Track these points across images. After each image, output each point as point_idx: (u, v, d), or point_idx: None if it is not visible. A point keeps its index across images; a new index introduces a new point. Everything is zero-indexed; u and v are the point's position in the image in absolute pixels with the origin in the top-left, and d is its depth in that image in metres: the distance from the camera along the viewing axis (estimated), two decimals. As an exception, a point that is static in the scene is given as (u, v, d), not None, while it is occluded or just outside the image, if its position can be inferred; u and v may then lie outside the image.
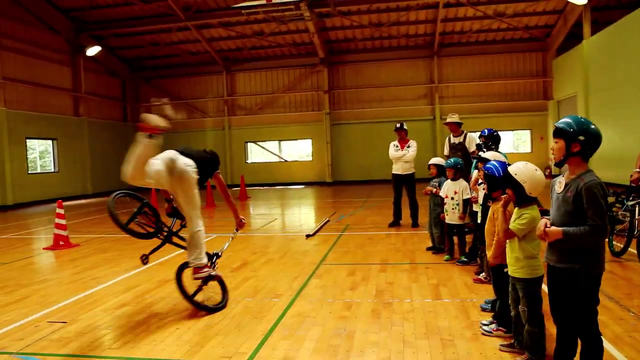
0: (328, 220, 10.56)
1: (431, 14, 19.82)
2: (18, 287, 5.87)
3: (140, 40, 21.65)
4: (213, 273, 4.77)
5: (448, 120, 8.25)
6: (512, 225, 3.15)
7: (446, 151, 8.39)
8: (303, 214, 13.08)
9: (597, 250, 2.73)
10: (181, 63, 23.42)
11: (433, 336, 3.80)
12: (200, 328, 4.20)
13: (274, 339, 3.89)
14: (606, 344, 3.40)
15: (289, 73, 23.08)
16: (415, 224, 9.17)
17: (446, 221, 6.32)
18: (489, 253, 3.76)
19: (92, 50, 20.48)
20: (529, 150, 21.90)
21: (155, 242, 4.85)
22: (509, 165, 3.36)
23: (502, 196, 3.29)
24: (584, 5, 16.72)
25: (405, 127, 9.13)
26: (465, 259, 6.11)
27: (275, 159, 24.01)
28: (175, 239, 4.97)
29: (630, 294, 4.70)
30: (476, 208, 5.70)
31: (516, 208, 3.22)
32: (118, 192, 4.91)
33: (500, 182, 3.69)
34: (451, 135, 8.29)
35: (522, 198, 3.14)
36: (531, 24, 20.27)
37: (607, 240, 6.20)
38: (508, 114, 21.50)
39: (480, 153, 4.51)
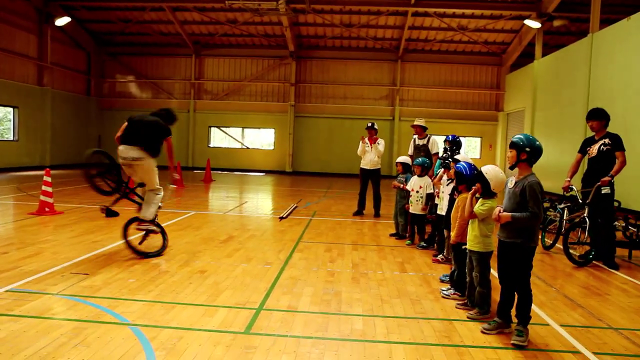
0: (296, 206, 11.43)
1: (399, 21, 20.99)
2: (24, 244, 6.40)
3: (111, 15, 21.55)
4: (152, 228, 6.01)
5: (415, 123, 9.32)
6: (476, 209, 4.17)
7: (410, 151, 9.46)
8: (271, 198, 13.87)
9: (534, 230, 3.81)
10: (151, 42, 23.46)
11: (404, 297, 4.79)
12: (210, 284, 4.99)
13: (276, 294, 4.75)
14: (534, 307, 4.50)
15: (257, 63, 23.64)
16: (377, 214, 10.21)
17: (410, 211, 7.35)
18: (453, 233, 4.78)
19: (61, 21, 20.24)
20: (478, 156, 23.59)
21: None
22: (473, 166, 4.40)
23: (473, 187, 4.29)
24: (538, 28, 18.37)
25: (375, 126, 10.11)
26: (425, 244, 7.17)
27: (238, 145, 24.54)
28: (132, 196, 6.24)
29: (554, 276, 5.88)
30: (437, 201, 6.77)
31: (480, 198, 4.24)
32: (97, 149, 6.04)
33: (468, 179, 4.72)
34: (416, 137, 9.36)
35: (487, 192, 4.16)
36: (490, 40, 21.88)
37: (540, 235, 7.44)
38: (462, 121, 23.06)
39: (457, 156, 5.48)
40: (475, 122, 23.22)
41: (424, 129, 9.27)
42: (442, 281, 5.37)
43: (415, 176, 7.36)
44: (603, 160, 6.54)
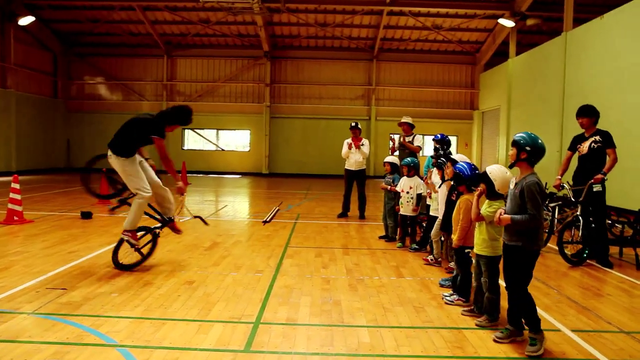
0: (278, 209, 11.13)
1: (374, 20, 20.91)
2: (-7, 258, 5.92)
3: (79, 14, 20.77)
4: (127, 238, 5.44)
5: (403, 120, 9.17)
6: (483, 211, 3.99)
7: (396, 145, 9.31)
8: (250, 201, 13.52)
9: (535, 232, 3.60)
10: (120, 43, 22.73)
11: (406, 305, 4.57)
12: (200, 296, 4.67)
13: (272, 305, 4.46)
14: (540, 311, 4.35)
15: (231, 63, 23.20)
16: (362, 216, 10.01)
17: (400, 213, 7.17)
18: (455, 237, 4.59)
19: (25, 20, 19.37)
20: (454, 155, 23.66)
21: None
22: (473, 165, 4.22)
23: (477, 188, 4.11)
24: (512, 27, 18.54)
25: (359, 126, 9.91)
26: (417, 246, 6.99)
27: (212, 147, 24.03)
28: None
29: (551, 277, 5.77)
30: (428, 202, 6.61)
31: (487, 200, 4.05)
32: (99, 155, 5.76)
33: (468, 179, 4.54)
34: (402, 135, 9.22)
35: (492, 192, 3.97)
36: (464, 39, 22.02)
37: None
38: (438, 120, 23.13)
39: (454, 156, 5.31)
40: (450, 121, 23.31)
41: (411, 126, 9.14)
42: (442, 286, 5.19)
43: (405, 177, 7.18)
44: (594, 157, 6.48)
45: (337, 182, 20.08)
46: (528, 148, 3.59)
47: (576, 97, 14.02)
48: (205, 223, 6.49)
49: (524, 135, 3.67)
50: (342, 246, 7.27)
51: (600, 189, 6.36)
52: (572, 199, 6.64)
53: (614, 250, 7.00)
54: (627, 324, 4.23)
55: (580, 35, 14.04)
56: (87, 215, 9.08)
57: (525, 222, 3.52)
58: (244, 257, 6.35)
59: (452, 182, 5.38)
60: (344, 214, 10.19)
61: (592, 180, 6.28)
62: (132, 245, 5.51)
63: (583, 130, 6.75)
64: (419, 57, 23.12)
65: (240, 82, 23.20)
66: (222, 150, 24.03)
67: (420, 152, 9.22)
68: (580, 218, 6.39)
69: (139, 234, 5.58)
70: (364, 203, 10.02)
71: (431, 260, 6.23)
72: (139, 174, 5.45)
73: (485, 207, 4.00)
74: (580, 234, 6.39)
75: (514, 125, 18.81)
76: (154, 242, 5.72)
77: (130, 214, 5.46)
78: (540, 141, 3.63)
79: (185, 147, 23.67)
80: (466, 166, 4.60)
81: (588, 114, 6.56)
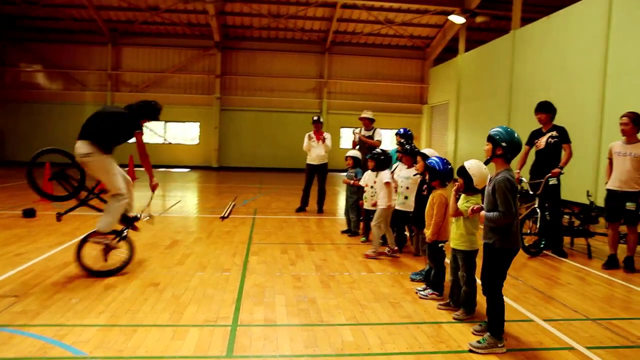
0: (234, 204, 10.88)
1: (328, 12, 20.83)
2: None
3: (13, -4, 19.37)
4: (108, 242, 5.12)
5: (363, 115, 9.17)
6: (461, 206, 4.01)
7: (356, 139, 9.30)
8: (203, 196, 13.14)
9: (508, 230, 3.51)
10: (62, 28, 21.32)
11: (382, 300, 4.55)
12: (169, 298, 4.44)
13: (247, 305, 4.31)
14: (510, 302, 4.47)
15: (180, 53, 22.42)
16: (320, 210, 9.95)
17: (364, 207, 7.14)
18: (428, 232, 4.61)
19: (-49, 1, 17.85)
20: (424, 149, 24.10)
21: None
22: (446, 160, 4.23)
23: (455, 183, 4.12)
24: (462, 24, 19.02)
25: (322, 120, 9.81)
26: (381, 241, 6.99)
27: (160, 140, 23.20)
28: (94, 202, 5.33)
29: (512, 267, 5.93)
30: (395, 196, 6.62)
31: (463, 194, 4.08)
32: (50, 148, 5.25)
33: (441, 174, 4.56)
34: (362, 129, 9.23)
35: (470, 187, 4.00)
36: (415, 34, 22.37)
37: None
38: (388, 113, 23.38)
39: (424, 150, 5.33)
40: (400, 115, 23.66)
41: (371, 121, 9.17)
42: (413, 280, 5.21)
43: (369, 171, 7.15)
44: (551, 152, 6.73)
45: (289, 175, 19.99)
46: (504, 144, 3.53)
47: (523, 93, 14.60)
48: (151, 223, 6.19)
49: (500, 130, 3.63)
50: (305, 242, 7.18)
51: (556, 183, 6.62)
52: (530, 192, 6.86)
53: (565, 240, 7.31)
54: (591, 312, 4.41)
55: (527, 33, 14.58)
56: (30, 214, 8.48)
57: (495, 220, 3.47)
58: (207, 255, 6.13)
59: (422, 177, 5.43)
60: (302, 209, 10.09)
61: (550, 174, 6.52)
62: (111, 248, 5.17)
63: (540, 126, 6.97)
64: (371, 51, 23.28)
65: (190, 73, 22.49)
66: (170, 143, 23.25)
67: (381, 146, 9.26)
68: (537, 210, 6.62)
69: (110, 237, 5.21)
70: (323, 197, 9.97)
71: (372, 253, 6.31)
72: (119, 172, 5.14)
73: (463, 202, 4.02)
74: (537, 225, 6.62)
75: (462, 120, 19.36)
76: (131, 246, 5.34)
77: (108, 216, 5.07)
78: (516, 136, 3.61)
79: (130, 140, 22.64)
80: (439, 161, 4.62)
81: (546, 110, 6.79)
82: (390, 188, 6.27)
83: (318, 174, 9.77)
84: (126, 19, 21.07)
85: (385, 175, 6.35)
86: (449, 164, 4.62)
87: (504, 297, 3.68)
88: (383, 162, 6.46)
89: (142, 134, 5.20)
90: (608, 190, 6.10)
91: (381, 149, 6.81)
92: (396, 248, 6.30)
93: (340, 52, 23.10)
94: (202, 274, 5.29)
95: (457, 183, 4.08)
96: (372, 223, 6.32)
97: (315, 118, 9.79)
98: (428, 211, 4.66)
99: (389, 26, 21.44)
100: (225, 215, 9.26)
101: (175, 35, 22.17)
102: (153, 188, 5.44)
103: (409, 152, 6.26)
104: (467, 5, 18.46)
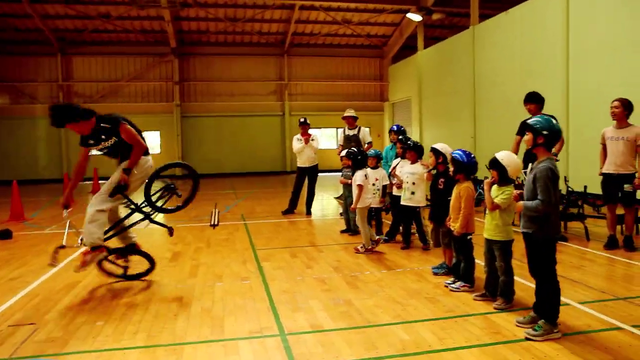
0: (219, 211, 10.57)
1: (286, 14, 20.70)
2: None
3: (-51, 7, 18.05)
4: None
5: (346, 114, 9.20)
6: (497, 199, 4.03)
7: (341, 141, 9.30)
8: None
9: (547, 219, 3.57)
10: (6, 39, 19.96)
11: (416, 296, 4.52)
12: (199, 312, 4.23)
13: (284, 312, 4.16)
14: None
15: (135, 61, 21.64)
16: (309, 212, 9.85)
17: (368, 205, 7.11)
18: (456, 225, 4.62)
19: None
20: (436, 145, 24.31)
21: None
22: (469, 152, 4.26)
23: (488, 179, 4.15)
24: (419, 21, 19.40)
25: (308, 121, 9.71)
26: (386, 237, 6.99)
27: (119, 151, 22.28)
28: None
29: (523, 254, 6.07)
30: (399, 192, 6.63)
31: (495, 186, 4.11)
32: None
33: (466, 166, 4.58)
34: (346, 128, 9.24)
35: (504, 179, 4.03)
36: (372, 33, 22.62)
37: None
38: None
39: (436, 145, 5.34)
40: (362, 113, 23.41)
41: (355, 119, 9.18)
42: (436, 274, 5.22)
43: (369, 168, 7.13)
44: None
45: (258, 179, 19.74)
46: (545, 132, 3.57)
47: (487, 86, 15.05)
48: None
49: (539, 119, 3.68)
50: (310, 244, 7.07)
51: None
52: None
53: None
54: (617, 291, 4.56)
55: (487, 28, 15.04)
56: (6, 235, 7.91)
57: (534, 208, 3.51)
58: (217, 265, 5.91)
59: (435, 171, 5.45)
60: (290, 211, 9.95)
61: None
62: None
63: (530, 116, 7.16)
64: (329, 52, 23.33)
65: (147, 81, 21.75)
66: (130, 154, 22.37)
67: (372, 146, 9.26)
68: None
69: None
70: (312, 199, 9.86)
71: (360, 249, 6.38)
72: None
73: (498, 195, 4.05)
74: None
75: (426, 115, 19.75)
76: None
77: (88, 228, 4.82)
78: (556, 124, 3.68)
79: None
80: (463, 154, 4.64)
81: (535, 100, 6.98)
82: (361, 190, 6.27)
83: (309, 176, 9.65)
84: (74, 28, 20.07)
85: (358, 176, 6.33)
86: (473, 156, 4.65)
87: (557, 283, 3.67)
88: (359, 162, 6.49)
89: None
90: (604, 174, 6.35)
91: (358, 149, 6.80)
92: (372, 246, 6.36)
93: (299, 54, 23.03)
94: (222, 284, 5.08)
95: (491, 177, 4.10)
96: (358, 223, 6.43)
97: (302, 120, 9.69)
98: (454, 204, 4.66)
99: (347, 26, 21.56)
100: (215, 222, 8.94)
101: (128, 42, 21.36)
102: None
103: (413, 147, 6.28)
104: (422, 3, 18.83)
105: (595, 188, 7.46)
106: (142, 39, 21.22)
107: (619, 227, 6.54)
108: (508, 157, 4.06)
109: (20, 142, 20.48)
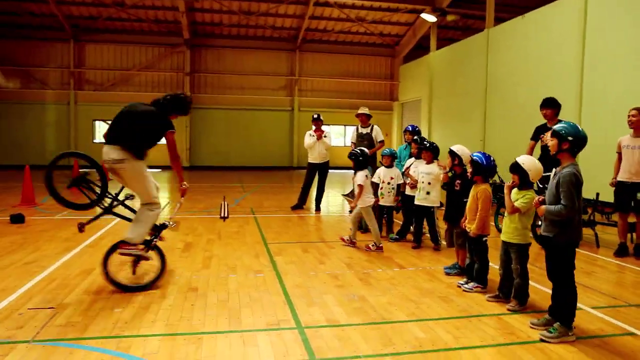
0: (227, 204, 10.65)
1: (300, 10, 20.71)
2: None
3: (-35, -11, 18.15)
4: (140, 253, 4.65)
5: (360, 112, 9.21)
6: (518, 203, 4.06)
7: (353, 139, 9.33)
8: (190, 196, 12.74)
9: (569, 224, 3.59)
10: (19, 23, 20.07)
11: (429, 295, 4.56)
12: (216, 303, 4.28)
13: (300, 306, 4.21)
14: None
15: (147, 50, 21.72)
16: (318, 208, 9.89)
17: (380, 203, 7.15)
18: (472, 226, 4.65)
19: None
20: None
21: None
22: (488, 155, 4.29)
23: (509, 183, 4.18)
24: (433, 22, 19.37)
25: (321, 117, 9.73)
26: (397, 237, 7.03)
27: (127, 140, 22.39)
28: (119, 209, 4.88)
29: (535, 259, 6.09)
30: (412, 192, 6.66)
31: (515, 189, 4.14)
32: (70, 151, 4.72)
33: (485, 169, 4.61)
34: (359, 126, 9.26)
35: (525, 183, 4.07)
36: (385, 32, 22.61)
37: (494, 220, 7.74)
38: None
39: (453, 147, 5.36)
40: (371, 112, 23.58)
41: (368, 117, 9.20)
42: (448, 274, 5.26)
43: (383, 167, 7.18)
44: (557, 145, 6.94)
45: (266, 174, 19.81)
46: (570, 138, 3.60)
47: (499, 90, 15.04)
48: (176, 230, 5.94)
49: (565, 125, 3.71)
50: (320, 240, 7.11)
51: (564, 175, 6.83)
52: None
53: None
54: (629, 298, 4.59)
55: (502, 32, 15.02)
56: (19, 219, 8.00)
57: (557, 213, 3.54)
58: (230, 257, 5.96)
59: (452, 172, 5.48)
60: (299, 206, 10.00)
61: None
62: (142, 259, 4.72)
63: (545, 121, 7.18)
64: (341, 49, 23.34)
65: (158, 71, 21.83)
66: (138, 143, 22.47)
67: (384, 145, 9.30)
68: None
69: (140, 247, 4.68)
70: (322, 196, 9.90)
71: (347, 240, 6.62)
72: (151, 179, 4.78)
73: (519, 199, 4.08)
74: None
75: (435, 116, 19.74)
76: (161, 255, 4.89)
77: (140, 225, 4.64)
78: (581, 130, 3.70)
79: (97, 141, 21.79)
80: (482, 156, 4.67)
81: (552, 105, 6.99)
82: (361, 190, 6.34)
83: (319, 172, 9.69)
84: (89, 15, 20.19)
85: (359, 176, 6.39)
86: (493, 160, 4.68)
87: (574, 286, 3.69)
88: (361, 162, 6.52)
89: (174, 132, 4.89)
90: (618, 182, 6.36)
91: (360, 149, 6.76)
92: (354, 240, 6.61)
93: (311, 50, 23.05)
94: (236, 276, 5.13)
95: (512, 181, 4.13)
96: (351, 216, 6.72)
97: (315, 116, 9.70)
98: (471, 206, 4.70)
99: (360, 24, 21.56)
100: (225, 215, 9.04)
101: (141, 32, 21.45)
102: (183, 192, 5.11)
103: (429, 147, 6.31)
104: (437, 4, 18.80)
105: (605, 196, 7.48)
106: (155, 28, 21.29)
107: (629, 235, 6.56)
108: (529, 161, 4.09)
109: (30, 127, 20.62)
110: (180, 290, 4.64)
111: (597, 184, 8.26)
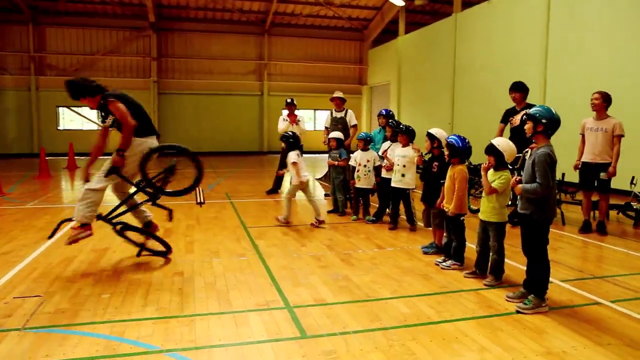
0: (202, 189, 10.62)
1: (268, -7, 20.49)
2: None
3: None
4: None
5: (334, 95, 9.32)
6: (495, 184, 4.26)
7: (327, 124, 9.44)
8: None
9: (545, 202, 3.82)
10: (-30, 6, 19.27)
11: (410, 274, 4.75)
12: (203, 286, 4.35)
13: (287, 287, 4.33)
14: (522, 267, 4.84)
15: (111, 34, 21.08)
16: (293, 193, 9.98)
17: (357, 186, 7.31)
18: (450, 206, 4.85)
19: None
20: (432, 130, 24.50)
21: None
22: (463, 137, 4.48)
23: (485, 164, 4.37)
24: (401, 6, 19.50)
25: (295, 102, 9.77)
26: (374, 218, 7.22)
27: (93, 126, 21.81)
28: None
29: (509, 238, 6.38)
30: (389, 175, 6.83)
31: (491, 170, 4.34)
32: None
33: (461, 151, 4.80)
34: (333, 110, 9.37)
35: (501, 163, 4.27)
36: (354, 16, 22.62)
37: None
38: (328, 94, 23.35)
39: (432, 130, 5.52)
40: (341, 96, 23.91)
41: (343, 101, 9.31)
42: (426, 253, 5.46)
43: (359, 150, 7.32)
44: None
45: (236, 159, 19.72)
46: (544, 121, 3.81)
47: (466, 74, 15.37)
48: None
49: (539, 109, 3.92)
50: (300, 223, 7.22)
51: (532, 156, 7.14)
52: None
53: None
54: (594, 271, 4.90)
55: (469, 17, 15.29)
56: None
57: (533, 191, 3.75)
58: (212, 242, 6.02)
59: (429, 155, 5.66)
60: (274, 191, 10.08)
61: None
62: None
63: (514, 104, 7.44)
64: (310, 33, 23.24)
65: (123, 55, 21.25)
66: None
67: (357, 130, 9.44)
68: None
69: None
70: (297, 179, 9.98)
71: (282, 220, 7.02)
72: None
73: (495, 179, 4.28)
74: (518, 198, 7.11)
75: (405, 100, 20.01)
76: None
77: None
78: (555, 113, 3.90)
79: (61, 127, 21.15)
80: (458, 139, 4.85)
81: (520, 89, 7.24)
82: (297, 167, 6.85)
83: (295, 157, 9.73)
84: (48, -4, 19.42)
85: (292, 155, 6.94)
86: (468, 142, 4.86)
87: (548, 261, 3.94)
88: (292, 144, 7.13)
89: None
90: (583, 162, 6.70)
91: (292, 132, 7.44)
92: (289, 220, 7.07)
93: (280, 34, 22.87)
94: (220, 260, 5.20)
95: (487, 162, 4.33)
96: (283, 196, 7.15)
97: (289, 100, 9.73)
98: (449, 186, 4.89)
99: (328, 7, 21.50)
100: (202, 200, 9.04)
101: (105, 15, 20.79)
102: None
103: (405, 131, 6.47)
104: (406, -12, 18.92)
105: (570, 176, 7.86)
106: (120, 11, 20.68)
107: (592, 213, 6.93)
108: (504, 143, 4.29)
109: (-12, 114, 19.83)
110: (166, 275, 4.68)
111: (562, 165, 8.63)
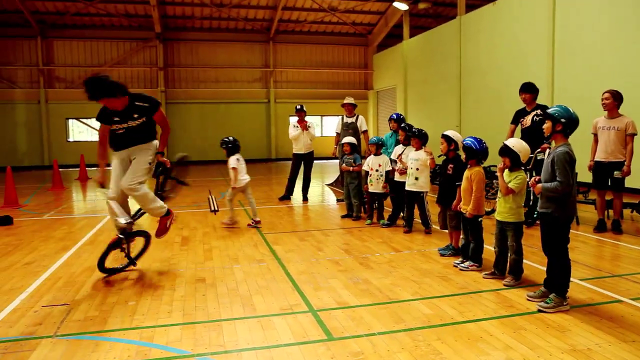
0: (215, 197, 10.70)
1: (272, 1, 20.65)
2: None
3: None
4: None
5: (345, 101, 9.40)
6: (511, 184, 4.32)
7: (338, 129, 9.52)
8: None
9: (565, 200, 3.86)
10: (-20, 21, 19.55)
11: (429, 275, 4.80)
12: (226, 292, 4.41)
13: (309, 291, 4.38)
14: (540, 267, 4.87)
15: (118, 45, 21.32)
16: (305, 198, 10.05)
17: (370, 190, 7.37)
18: (468, 207, 4.89)
19: None
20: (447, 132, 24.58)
21: None
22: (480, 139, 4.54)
23: (499, 165, 4.42)
24: (405, 10, 19.61)
25: (304, 108, 9.85)
26: (388, 222, 7.27)
27: (102, 138, 22.00)
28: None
29: (525, 239, 6.41)
30: (402, 178, 6.88)
31: (507, 171, 4.39)
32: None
33: (478, 152, 4.85)
34: (344, 115, 9.45)
35: (516, 164, 4.32)
36: (358, 21, 22.76)
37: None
38: (334, 100, 23.55)
39: (447, 132, 5.57)
40: (347, 101, 24.01)
41: (354, 106, 9.39)
42: (443, 255, 5.50)
43: (372, 155, 7.38)
44: (537, 129, 7.21)
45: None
46: (563, 120, 3.85)
47: (473, 76, 15.42)
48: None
49: (557, 108, 3.95)
50: (315, 228, 7.29)
51: (544, 157, 7.17)
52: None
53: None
54: (612, 269, 4.93)
55: (473, 19, 15.36)
56: (6, 221, 7.91)
57: (553, 189, 3.79)
58: (230, 248, 6.09)
59: (445, 157, 5.72)
60: (287, 197, 10.15)
61: (539, 149, 7.05)
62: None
63: (524, 105, 7.49)
64: (315, 39, 23.41)
65: (130, 66, 21.47)
66: (113, 140, 22.11)
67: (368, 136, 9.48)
68: (528, 184, 7.14)
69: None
70: (308, 185, 10.06)
71: (228, 222, 7.47)
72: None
73: (511, 180, 4.33)
74: (532, 198, 7.15)
75: (411, 103, 20.07)
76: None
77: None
78: (573, 112, 3.94)
79: (71, 139, 21.36)
80: (474, 141, 4.90)
81: (530, 90, 7.29)
82: (236, 172, 7.39)
83: (305, 163, 9.84)
84: (56, 10, 19.66)
85: (232, 160, 7.45)
86: (484, 143, 4.91)
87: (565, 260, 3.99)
88: (232, 148, 7.54)
89: None
90: (596, 161, 6.73)
91: (232, 137, 7.82)
92: (235, 221, 7.60)
93: (285, 41, 23.04)
94: (240, 266, 5.27)
95: (502, 164, 4.38)
96: (226, 198, 7.62)
97: (299, 107, 9.82)
98: (466, 187, 4.93)
99: (333, 14, 21.65)
100: (216, 208, 9.10)
101: (111, 27, 21.04)
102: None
103: (418, 134, 6.53)
104: (410, -8, 19.04)
105: (581, 176, 7.87)
106: (126, 23, 20.92)
107: (606, 212, 6.95)
108: (519, 144, 4.34)
109: (0, 127, 20.05)
110: (189, 282, 4.75)
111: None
